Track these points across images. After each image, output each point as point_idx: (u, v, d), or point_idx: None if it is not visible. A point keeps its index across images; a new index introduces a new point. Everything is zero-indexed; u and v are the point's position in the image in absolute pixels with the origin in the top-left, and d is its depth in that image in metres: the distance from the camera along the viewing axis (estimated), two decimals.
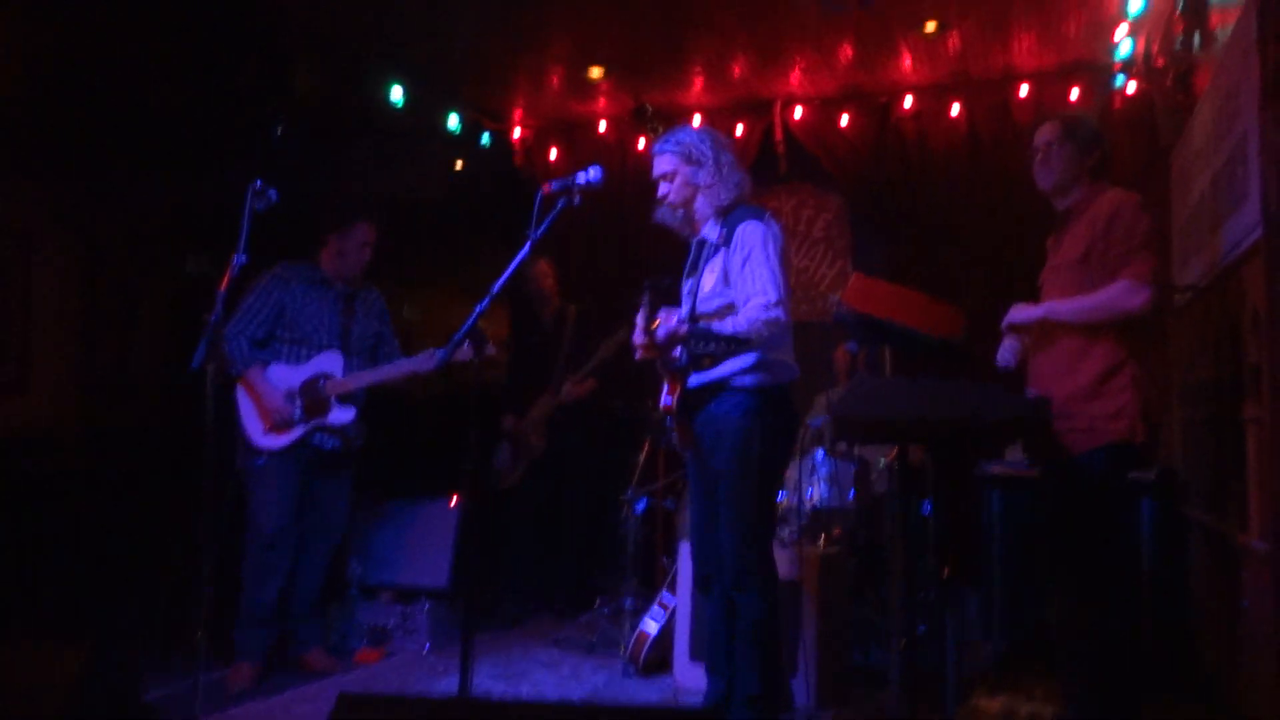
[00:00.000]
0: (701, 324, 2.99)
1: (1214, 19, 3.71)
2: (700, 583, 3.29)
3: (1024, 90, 5.44)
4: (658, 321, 3.00)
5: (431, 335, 6.00)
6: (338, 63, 5.23)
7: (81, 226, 5.32)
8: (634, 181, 5.77)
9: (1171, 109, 4.56)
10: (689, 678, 3.93)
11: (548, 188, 2.90)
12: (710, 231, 3.16)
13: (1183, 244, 4.36)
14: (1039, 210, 3.38)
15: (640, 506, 4.74)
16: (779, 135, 5.92)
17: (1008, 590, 4.14)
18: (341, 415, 4.13)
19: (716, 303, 3.06)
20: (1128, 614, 3.29)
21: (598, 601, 4.96)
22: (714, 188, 3.13)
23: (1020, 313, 3.14)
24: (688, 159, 3.15)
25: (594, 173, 2.87)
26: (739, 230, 3.03)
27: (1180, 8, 3.82)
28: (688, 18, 4.84)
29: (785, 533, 3.95)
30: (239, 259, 3.25)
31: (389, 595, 4.83)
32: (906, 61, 5.36)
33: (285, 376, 4.12)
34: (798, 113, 5.89)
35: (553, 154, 6.43)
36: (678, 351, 3.00)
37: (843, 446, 4.52)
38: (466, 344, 2.86)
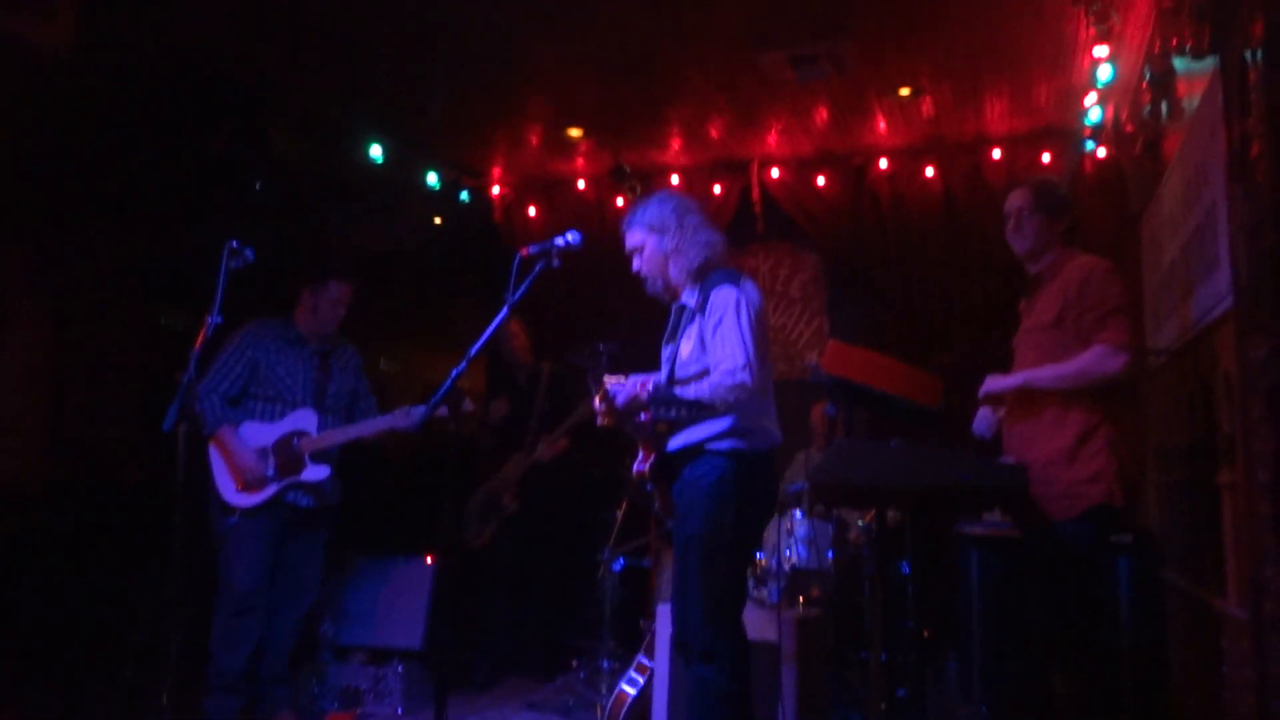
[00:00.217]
0: (664, 389, 2.97)
1: (1181, 89, 3.79)
2: (679, 648, 3.23)
3: (996, 154, 5.53)
4: (604, 389, 2.97)
5: (410, 389, 5.97)
6: (316, 122, 5.25)
7: (53, 283, 5.26)
8: (612, 240, 5.74)
9: (1141, 175, 4.65)
10: None
11: (526, 251, 2.89)
12: (689, 297, 3.17)
13: (1155, 307, 4.42)
14: (1013, 268, 3.43)
15: (618, 566, 4.70)
16: (756, 195, 5.98)
17: (988, 652, 4.11)
18: (316, 473, 4.08)
19: (694, 368, 3.04)
20: (1112, 685, 3.27)
21: (574, 663, 4.89)
22: (682, 251, 3.13)
23: (997, 382, 3.16)
24: (652, 228, 3.16)
25: (572, 237, 2.89)
26: (712, 295, 3.03)
27: (1147, 78, 3.91)
28: (665, 81, 4.91)
29: (764, 593, 3.92)
30: (214, 319, 3.23)
31: (362, 656, 4.74)
32: (881, 125, 5.45)
33: (258, 434, 4.07)
34: (775, 173, 5.96)
35: (531, 211, 6.45)
36: (643, 417, 2.97)
37: (820, 507, 4.51)
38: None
